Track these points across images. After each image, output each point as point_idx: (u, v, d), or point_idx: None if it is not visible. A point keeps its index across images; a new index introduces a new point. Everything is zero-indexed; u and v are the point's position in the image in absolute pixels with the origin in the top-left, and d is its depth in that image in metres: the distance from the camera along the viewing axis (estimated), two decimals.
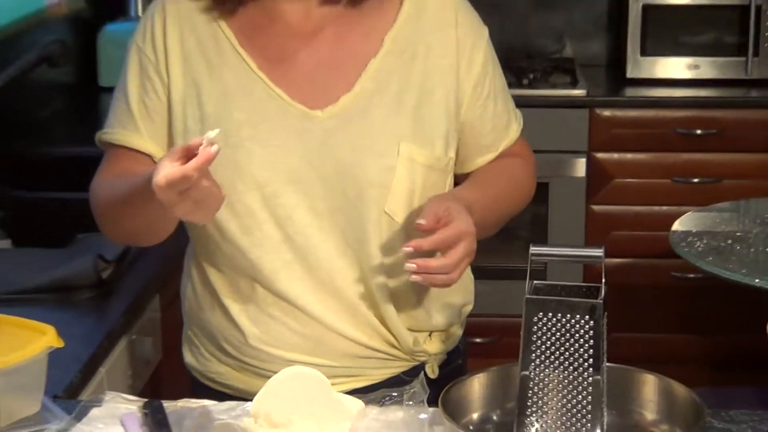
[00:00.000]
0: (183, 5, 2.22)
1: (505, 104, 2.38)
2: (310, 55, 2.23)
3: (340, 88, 2.20)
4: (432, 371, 2.34)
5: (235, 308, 2.25)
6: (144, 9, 5.28)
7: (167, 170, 1.83)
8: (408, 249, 2.04)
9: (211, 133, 1.85)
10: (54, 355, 1.96)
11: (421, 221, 2.03)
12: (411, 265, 2.01)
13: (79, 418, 1.99)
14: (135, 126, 2.23)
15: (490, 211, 2.21)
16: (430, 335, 2.34)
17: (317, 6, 2.21)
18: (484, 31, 2.33)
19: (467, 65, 2.27)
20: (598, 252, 1.88)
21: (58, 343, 1.95)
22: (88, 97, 4.91)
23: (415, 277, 2.04)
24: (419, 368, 2.32)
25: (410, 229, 2.15)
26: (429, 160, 2.22)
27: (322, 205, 2.18)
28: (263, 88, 2.19)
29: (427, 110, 2.22)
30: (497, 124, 2.35)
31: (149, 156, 2.23)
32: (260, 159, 2.16)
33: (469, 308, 2.42)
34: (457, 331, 2.40)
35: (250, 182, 2.16)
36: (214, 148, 1.83)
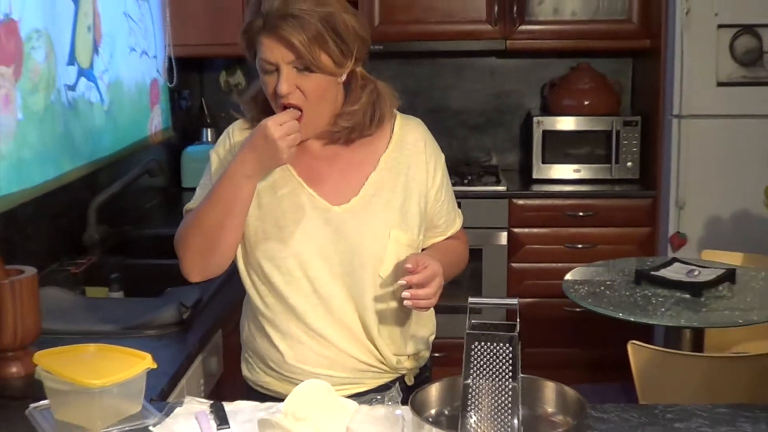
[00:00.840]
0: (246, 132, 2.23)
1: (453, 206, 2.41)
2: (330, 169, 2.25)
3: (350, 192, 2.22)
4: (409, 380, 2.34)
5: (276, 338, 2.25)
6: (213, 137, 5.30)
7: (273, 118, 2.04)
8: (402, 282, 2.09)
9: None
10: (150, 372, 1.94)
11: (408, 265, 2.08)
12: (406, 294, 2.09)
13: (167, 414, 1.98)
14: None
15: (446, 273, 2.20)
16: (407, 357, 2.33)
17: (329, 143, 2.24)
18: (442, 157, 2.36)
19: (432, 180, 2.30)
20: (514, 302, 1.88)
21: (153, 365, 1.93)
22: (175, 195, 4.91)
23: (407, 303, 2.10)
24: (401, 378, 2.32)
25: (395, 283, 2.18)
26: (409, 241, 2.24)
27: (337, 269, 2.20)
28: (300, 188, 2.21)
29: (408, 208, 2.25)
30: (447, 218, 2.38)
31: None
32: (298, 236, 2.19)
33: (433, 337, 2.42)
34: (425, 354, 2.40)
35: (291, 252, 2.19)
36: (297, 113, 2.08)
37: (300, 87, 2.08)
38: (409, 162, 2.27)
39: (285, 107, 2.09)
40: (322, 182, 2.23)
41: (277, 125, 2.02)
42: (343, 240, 2.19)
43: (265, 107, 2.19)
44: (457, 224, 2.43)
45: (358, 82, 2.21)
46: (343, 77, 2.16)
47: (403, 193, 2.25)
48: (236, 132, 2.28)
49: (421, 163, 2.29)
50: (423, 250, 2.34)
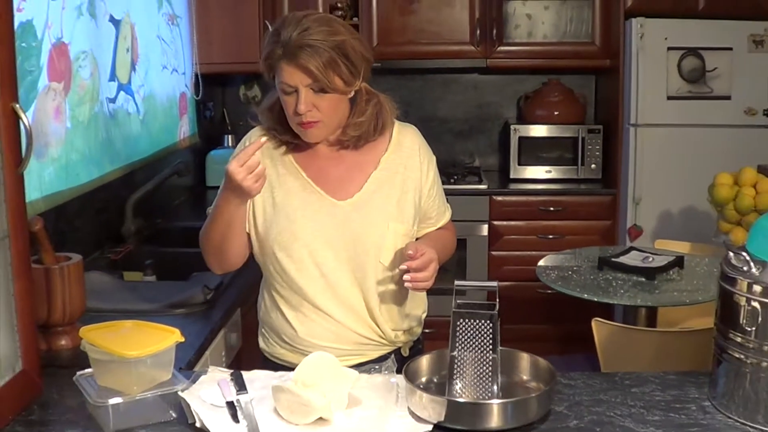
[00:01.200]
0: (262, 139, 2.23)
1: (443, 201, 2.39)
2: (336, 169, 2.23)
3: (354, 188, 2.21)
4: (404, 352, 2.33)
5: (289, 315, 2.24)
6: (233, 142, 5.28)
7: (236, 160, 1.98)
8: (404, 267, 2.08)
9: (263, 139, 2.09)
10: (179, 345, 1.93)
11: (410, 251, 2.08)
12: (407, 277, 2.08)
13: (193, 381, 1.96)
14: None
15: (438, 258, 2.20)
16: (403, 331, 2.31)
17: (341, 149, 2.24)
18: (434, 159, 2.35)
19: (425, 178, 2.29)
20: (494, 284, 1.88)
21: (181, 339, 1.92)
22: (200, 193, 4.90)
23: (408, 284, 2.10)
24: (397, 350, 2.32)
25: (394, 268, 2.17)
26: (405, 231, 2.23)
27: (343, 256, 2.18)
28: (310, 187, 2.21)
29: (404, 203, 2.23)
30: (438, 212, 2.37)
31: None
32: (308, 229, 2.17)
33: (425, 315, 2.41)
34: (418, 329, 2.38)
35: (301, 242, 2.17)
36: (263, 140, 2.07)
37: (316, 106, 2.09)
38: (405, 163, 2.26)
39: (303, 124, 2.11)
40: (329, 181, 2.22)
41: (238, 168, 1.98)
42: (348, 231, 2.18)
43: (280, 117, 2.19)
44: (447, 216, 2.42)
45: (363, 96, 2.21)
46: (352, 93, 2.16)
47: (400, 189, 2.24)
48: (253, 139, 2.27)
49: (416, 164, 2.28)
50: (417, 239, 2.33)
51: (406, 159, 2.27)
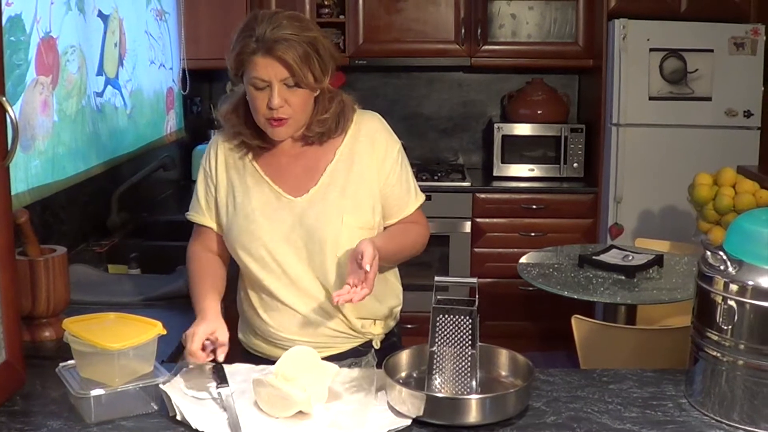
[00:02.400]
0: (227, 148, 2.28)
1: (407, 191, 2.30)
2: (295, 165, 2.23)
3: (310, 183, 2.21)
4: (376, 344, 2.32)
5: (260, 310, 2.27)
6: None
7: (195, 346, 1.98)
8: (337, 299, 1.98)
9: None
10: (161, 338, 1.93)
11: (348, 282, 1.99)
12: (336, 299, 1.96)
13: (175, 374, 1.96)
14: (202, 211, 2.30)
15: (389, 252, 2.15)
16: (374, 322, 2.31)
17: (305, 145, 2.24)
18: (396, 145, 2.28)
19: (382, 167, 2.24)
20: (473, 280, 1.89)
21: (163, 331, 1.91)
22: (186, 187, 4.87)
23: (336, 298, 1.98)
24: (369, 343, 2.31)
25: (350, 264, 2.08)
26: (361, 224, 2.20)
27: (302, 253, 2.19)
28: (268, 186, 2.22)
29: (361, 194, 2.21)
30: (399, 203, 2.28)
31: (210, 227, 2.30)
32: (265, 227, 2.19)
33: (398, 308, 2.38)
34: (391, 322, 2.37)
35: (260, 241, 2.19)
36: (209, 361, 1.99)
37: (287, 101, 2.09)
38: (362, 151, 2.23)
39: (274, 120, 2.11)
40: (287, 178, 2.22)
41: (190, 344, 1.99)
42: (304, 227, 2.17)
43: (246, 118, 2.21)
44: (411, 208, 2.30)
45: (326, 94, 2.20)
46: (318, 91, 2.16)
47: (356, 180, 2.21)
48: (219, 145, 2.29)
49: (371, 152, 2.24)
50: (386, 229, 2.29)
51: (362, 147, 2.24)
